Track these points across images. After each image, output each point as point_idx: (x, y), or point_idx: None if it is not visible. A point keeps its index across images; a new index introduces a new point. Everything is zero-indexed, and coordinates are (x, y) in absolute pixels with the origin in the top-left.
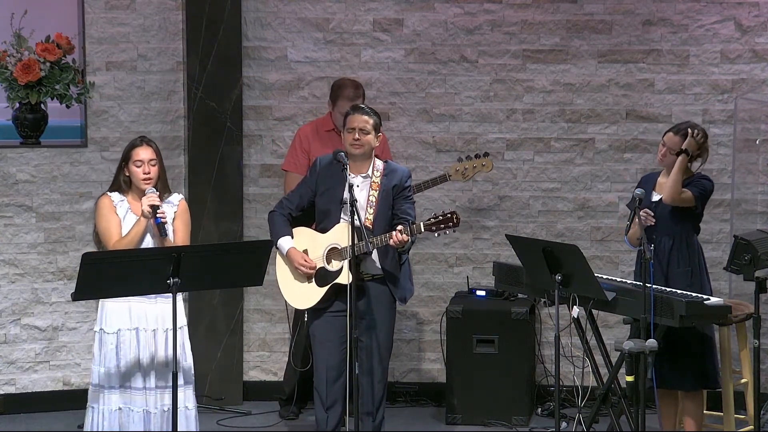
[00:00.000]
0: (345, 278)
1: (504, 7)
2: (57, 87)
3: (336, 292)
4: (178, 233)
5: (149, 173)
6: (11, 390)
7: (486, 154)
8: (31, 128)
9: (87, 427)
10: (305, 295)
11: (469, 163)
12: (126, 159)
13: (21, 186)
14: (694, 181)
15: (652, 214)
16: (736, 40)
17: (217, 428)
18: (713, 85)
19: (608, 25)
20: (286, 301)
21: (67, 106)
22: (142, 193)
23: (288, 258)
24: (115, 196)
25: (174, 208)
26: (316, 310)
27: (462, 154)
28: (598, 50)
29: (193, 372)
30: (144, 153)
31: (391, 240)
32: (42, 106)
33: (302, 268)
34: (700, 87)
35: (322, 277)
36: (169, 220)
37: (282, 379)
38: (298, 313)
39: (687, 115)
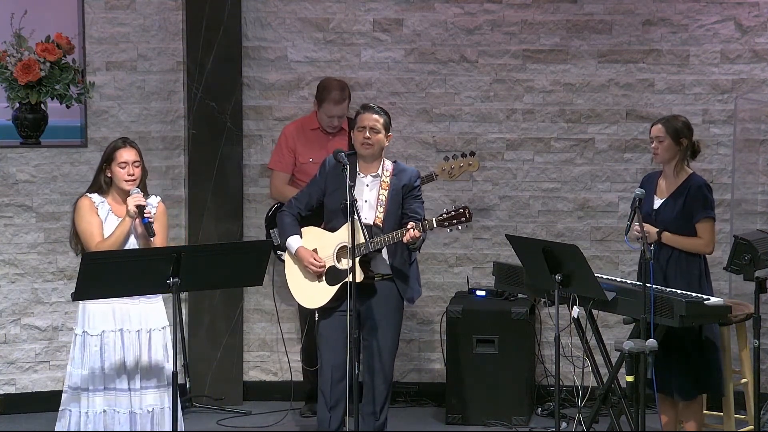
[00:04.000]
0: (355, 276)
1: (504, 7)
2: (57, 87)
3: (346, 291)
4: (157, 235)
5: (134, 174)
6: (11, 390)
7: (472, 153)
8: (31, 128)
9: (61, 428)
10: (315, 294)
11: (455, 163)
12: (108, 160)
13: (21, 186)
14: (690, 200)
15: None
16: (736, 40)
17: (217, 428)
18: (713, 85)
19: (608, 25)
20: (277, 302)
21: (67, 106)
22: (123, 194)
23: (297, 257)
24: (96, 197)
25: (153, 210)
26: (326, 309)
27: (458, 153)
28: (598, 50)
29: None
30: (128, 154)
31: (404, 238)
32: (42, 106)
33: (312, 267)
34: (700, 87)
35: (332, 275)
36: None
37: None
38: (305, 312)
39: (687, 115)
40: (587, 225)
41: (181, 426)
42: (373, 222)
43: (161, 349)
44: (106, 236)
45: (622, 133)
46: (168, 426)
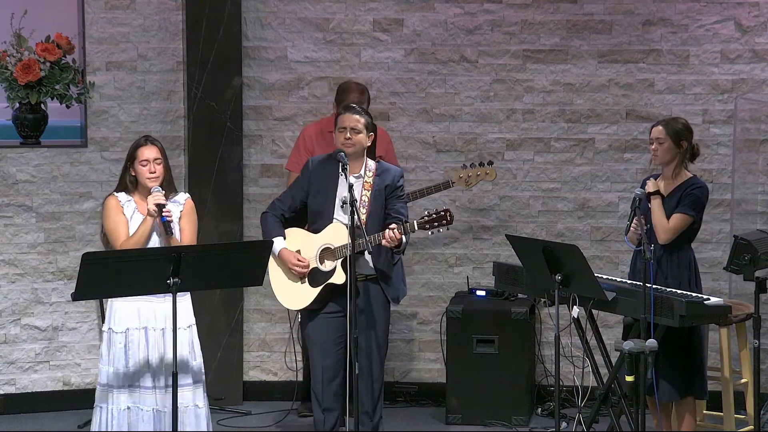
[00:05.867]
0: (338, 278)
1: (504, 7)
2: (57, 87)
3: (330, 293)
4: (185, 232)
5: (155, 172)
6: (11, 390)
7: (490, 163)
8: (31, 128)
9: (95, 426)
10: (298, 296)
11: (473, 171)
12: (131, 159)
13: (21, 186)
14: (684, 196)
15: (644, 222)
16: (736, 40)
17: (217, 428)
18: (713, 85)
19: (608, 25)
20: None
21: (67, 106)
22: (148, 193)
23: (281, 259)
24: (122, 196)
25: (180, 207)
26: (311, 311)
27: (462, 154)
28: (598, 50)
29: (203, 370)
30: (149, 152)
31: (384, 240)
32: (42, 106)
33: (296, 268)
34: (700, 87)
35: (315, 277)
36: (175, 219)
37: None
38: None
39: (687, 115)
40: (587, 225)
41: (209, 424)
42: (362, 222)
43: (187, 347)
44: (131, 235)
45: (622, 133)
46: (195, 424)
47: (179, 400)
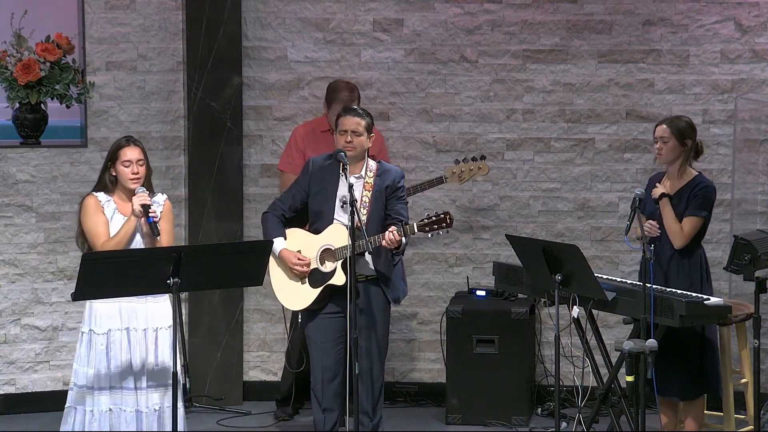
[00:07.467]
0: (338, 279)
1: (504, 7)
2: (57, 87)
3: (330, 294)
4: (163, 234)
5: (138, 173)
6: (11, 390)
7: (483, 157)
8: (31, 128)
9: (67, 427)
10: (299, 297)
11: (465, 166)
12: (113, 159)
13: (21, 186)
14: (692, 197)
15: (657, 226)
16: (736, 40)
17: (217, 428)
18: (713, 85)
19: (608, 25)
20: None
21: (67, 106)
22: (128, 193)
23: (281, 259)
24: (102, 196)
25: (160, 208)
26: (311, 312)
27: (462, 154)
28: (598, 50)
29: (182, 371)
30: (132, 153)
31: (383, 241)
32: (42, 106)
33: (297, 268)
34: (700, 87)
35: (315, 278)
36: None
37: (279, 379)
38: (294, 314)
39: (687, 115)
40: (587, 225)
41: (183, 426)
42: (364, 223)
43: (168, 348)
44: (111, 235)
45: (622, 133)
46: (180, 425)
47: (157, 400)
